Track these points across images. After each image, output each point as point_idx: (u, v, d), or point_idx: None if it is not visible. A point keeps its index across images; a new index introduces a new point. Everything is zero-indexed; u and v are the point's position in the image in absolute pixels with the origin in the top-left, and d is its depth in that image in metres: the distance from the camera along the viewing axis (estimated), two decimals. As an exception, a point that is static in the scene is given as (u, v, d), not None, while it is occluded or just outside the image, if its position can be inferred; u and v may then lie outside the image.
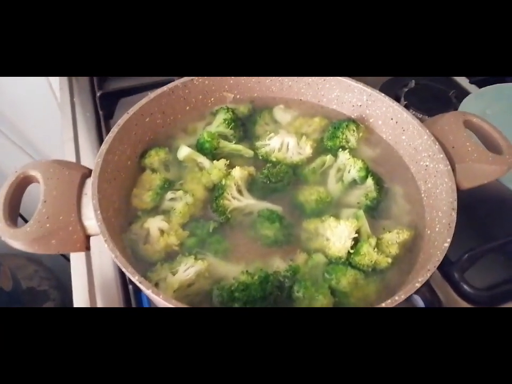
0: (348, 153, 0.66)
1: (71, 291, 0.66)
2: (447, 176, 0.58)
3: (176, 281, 0.51)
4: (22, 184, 0.55)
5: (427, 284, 0.65)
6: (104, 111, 0.89)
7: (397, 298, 0.45)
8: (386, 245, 0.56)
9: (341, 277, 0.53)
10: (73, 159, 0.84)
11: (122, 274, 0.66)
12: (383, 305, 0.44)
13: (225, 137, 0.69)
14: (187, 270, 0.52)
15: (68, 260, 0.70)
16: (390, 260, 0.55)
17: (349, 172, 0.65)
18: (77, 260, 0.69)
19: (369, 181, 0.63)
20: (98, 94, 0.89)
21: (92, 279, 0.67)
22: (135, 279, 0.45)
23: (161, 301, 0.43)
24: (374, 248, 0.54)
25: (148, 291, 0.44)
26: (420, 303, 0.66)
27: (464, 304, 0.66)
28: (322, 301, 0.50)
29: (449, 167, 0.59)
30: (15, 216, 0.53)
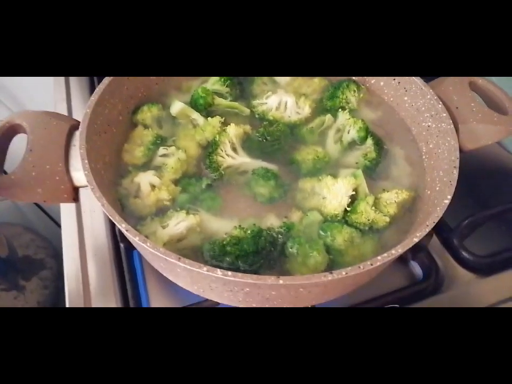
0: (348, 114, 0.63)
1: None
2: (449, 135, 0.56)
3: (166, 234, 0.49)
4: (7, 133, 0.53)
5: (425, 251, 0.64)
6: (98, 72, 0.86)
7: (393, 251, 0.43)
8: (384, 204, 0.54)
9: (337, 234, 0.51)
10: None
11: (113, 233, 0.65)
12: (379, 258, 0.42)
13: (221, 96, 0.67)
14: (178, 224, 0.50)
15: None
16: (387, 219, 0.53)
17: (348, 132, 0.63)
18: (67, 220, 0.67)
19: (369, 141, 0.61)
20: (92, 55, 0.87)
21: (83, 240, 0.65)
22: (122, 227, 0.43)
23: (149, 249, 0.41)
24: (372, 207, 0.53)
25: (135, 239, 0.42)
26: (417, 270, 0.65)
27: (462, 271, 0.65)
28: (316, 257, 0.49)
29: (452, 125, 0.57)
30: (1, 165, 0.51)
